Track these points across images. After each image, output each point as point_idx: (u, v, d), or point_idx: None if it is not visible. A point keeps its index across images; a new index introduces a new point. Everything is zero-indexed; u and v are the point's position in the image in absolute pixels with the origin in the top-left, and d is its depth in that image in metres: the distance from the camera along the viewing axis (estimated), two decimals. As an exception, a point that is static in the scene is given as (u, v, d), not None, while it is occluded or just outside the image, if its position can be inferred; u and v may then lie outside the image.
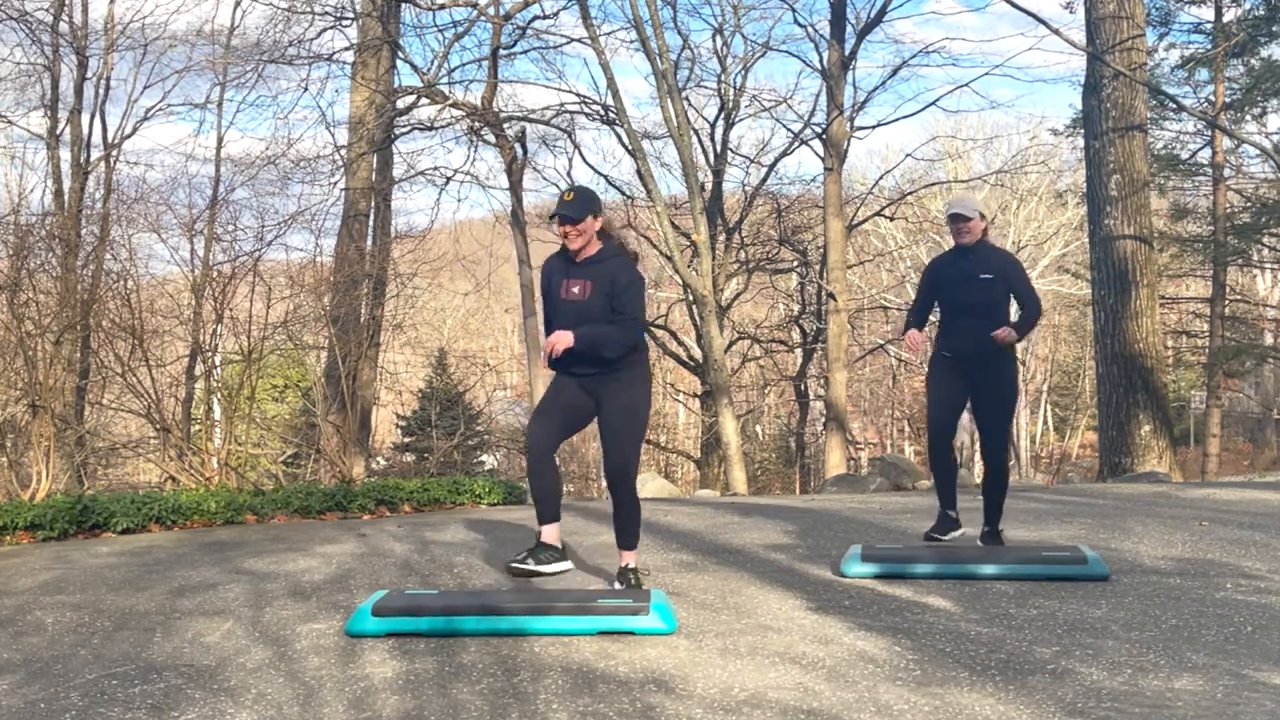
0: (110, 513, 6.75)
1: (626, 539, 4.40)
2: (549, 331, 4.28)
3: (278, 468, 9.66)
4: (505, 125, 15.14)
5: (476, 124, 15.07)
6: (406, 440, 26.27)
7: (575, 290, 4.21)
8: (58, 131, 16.19)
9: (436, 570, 5.07)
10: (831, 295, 17.41)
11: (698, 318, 18.22)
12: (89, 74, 16.33)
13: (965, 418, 5.45)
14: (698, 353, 20.49)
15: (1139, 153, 13.45)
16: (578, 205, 4.20)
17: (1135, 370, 13.00)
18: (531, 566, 4.34)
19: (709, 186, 19.75)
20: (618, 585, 4.37)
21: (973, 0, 45.15)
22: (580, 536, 6.01)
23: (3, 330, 8.12)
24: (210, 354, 9.07)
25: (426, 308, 20.87)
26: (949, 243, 5.24)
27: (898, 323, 30.55)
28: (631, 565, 4.41)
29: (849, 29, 17.21)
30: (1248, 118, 21.80)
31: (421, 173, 16.23)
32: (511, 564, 4.38)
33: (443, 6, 15.28)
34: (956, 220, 4.99)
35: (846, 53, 17.11)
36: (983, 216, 5.05)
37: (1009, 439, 5.15)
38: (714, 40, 20.32)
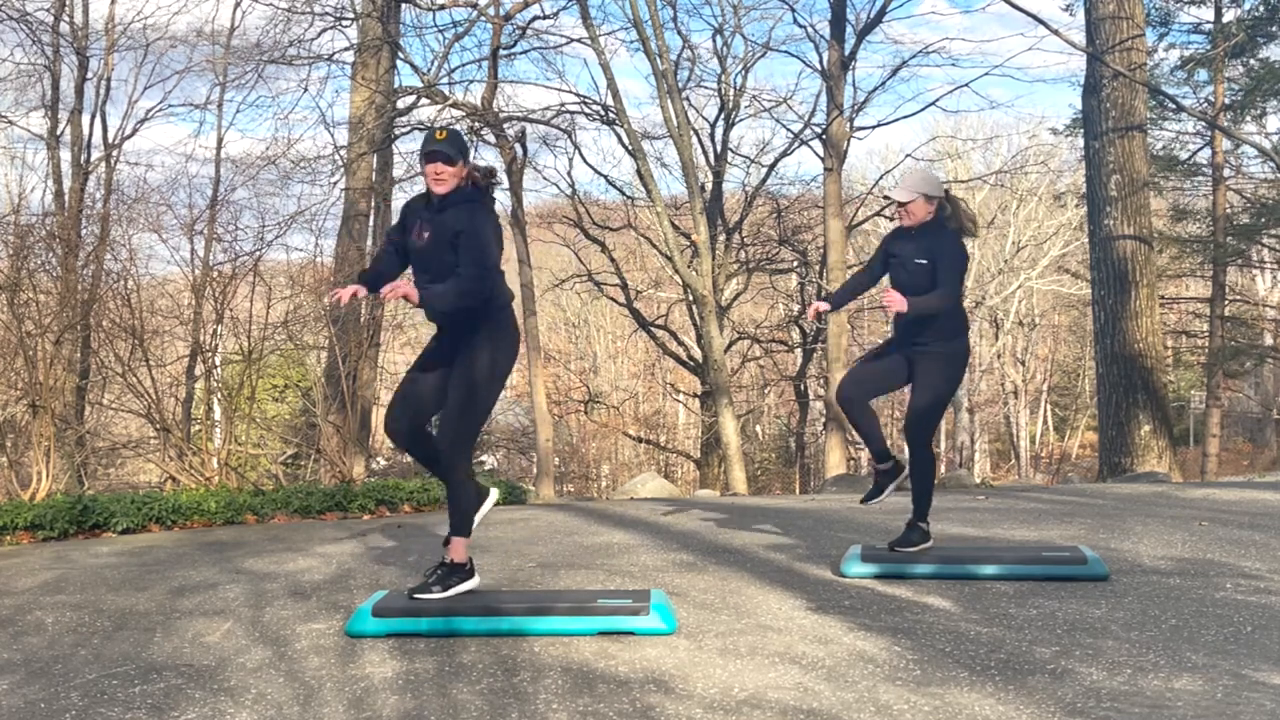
0: (110, 513, 6.76)
1: (453, 524, 4.04)
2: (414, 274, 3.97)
3: (278, 468, 9.66)
4: (505, 125, 15.15)
5: (476, 124, 15.07)
6: (407, 440, 26.19)
7: (426, 235, 3.88)
8: (58, 132, 16.20)
9: (436, 570, 5.06)
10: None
11: (698, 318, 18.23)
12: (89, 74, 16.36)
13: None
14: (698, 353, 20.51)
15: (1139, 153, 13.45)
16: (453, 145, 3.90)
17: (1135, 370, 13.01)
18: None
19: (709, 186, 19.77)
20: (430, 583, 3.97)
21: (971, 2, 45.15)
22: (580, 536, 6.01)
23: (3, 330, 8.13)
24: (210, 354, 9.08)
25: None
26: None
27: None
28: (453, 560, 3.99)
29: (849, 29, 17.22)
30: (1247, 118, 21.80)
31: (421, 173, 16.21)
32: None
33: (443, 7, 15.29)
34: (900, 205, 4.64)
35: (846, 53, 17.11)
36: (928, 198, 4.62)
37: (926, 432, 4.76)
38: (714, 40, 20.45)
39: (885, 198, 4.94)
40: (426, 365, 4.06)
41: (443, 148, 3.88)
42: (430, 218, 3.93)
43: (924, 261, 4.60)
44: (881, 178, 23.33)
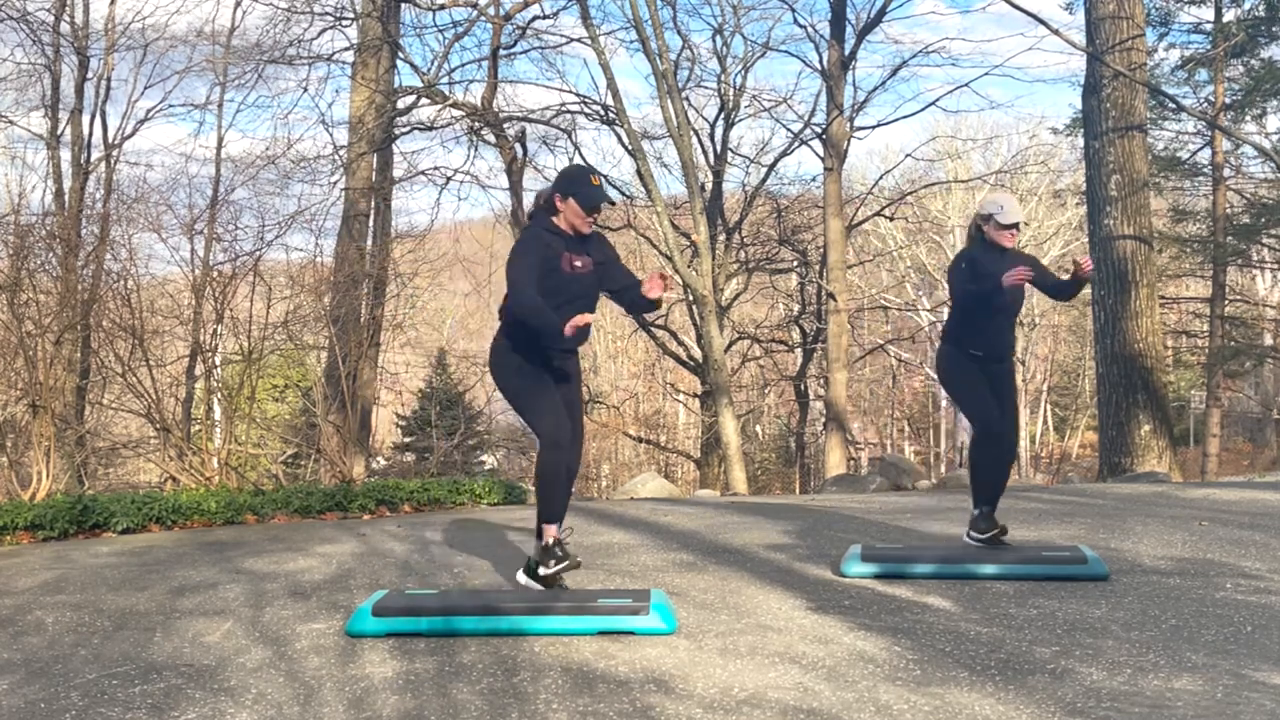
0: (110, 513, 6.76)
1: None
2: (556, 301, 4.07)
3: (278, 468, 9.66)
4: (505, 125, 15.16)
5: (476, 124, 15.08)
6: (406, 440, 26.26)
7: (578, 264, 4.22)
8: (58, 132, 16.20)
9: (436, 570, 5.07)
10: (831, 295, 17.42)
11: (698, 318, 18.23)
12: (89, 74, 16.35)
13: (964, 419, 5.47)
14: (698, 353, 20.49)
15: (1139, 153, 13.44)
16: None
17: (1135, 370, 13.00)
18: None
19: (709, 186, 19.75)
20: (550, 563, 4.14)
21: (970, 2, 45.13)
22: (580, 536, 6.01)
23: (3, 330, 8.13)
24: (210, 354, 9.07)
25: (426, 308, 20.85)
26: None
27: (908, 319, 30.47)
28: (557, 539, 4.22)
29: (849, 29, 17.23)
30: (1247, 118, 21.79)
31: (422, 173, 16.24)
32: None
33: (443, 6, 15.30)
34: (1017, 228, 4.98)
35: (846, 53, 17.12)
36: None
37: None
38: (714, 40, 20.36)
39: (1013, 225, 5.31)
40: (560, 385, 4.25)
41: (608, 197, 4.24)
42: (579, 246, 4.23)
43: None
44: (881, 177, 23.32)
